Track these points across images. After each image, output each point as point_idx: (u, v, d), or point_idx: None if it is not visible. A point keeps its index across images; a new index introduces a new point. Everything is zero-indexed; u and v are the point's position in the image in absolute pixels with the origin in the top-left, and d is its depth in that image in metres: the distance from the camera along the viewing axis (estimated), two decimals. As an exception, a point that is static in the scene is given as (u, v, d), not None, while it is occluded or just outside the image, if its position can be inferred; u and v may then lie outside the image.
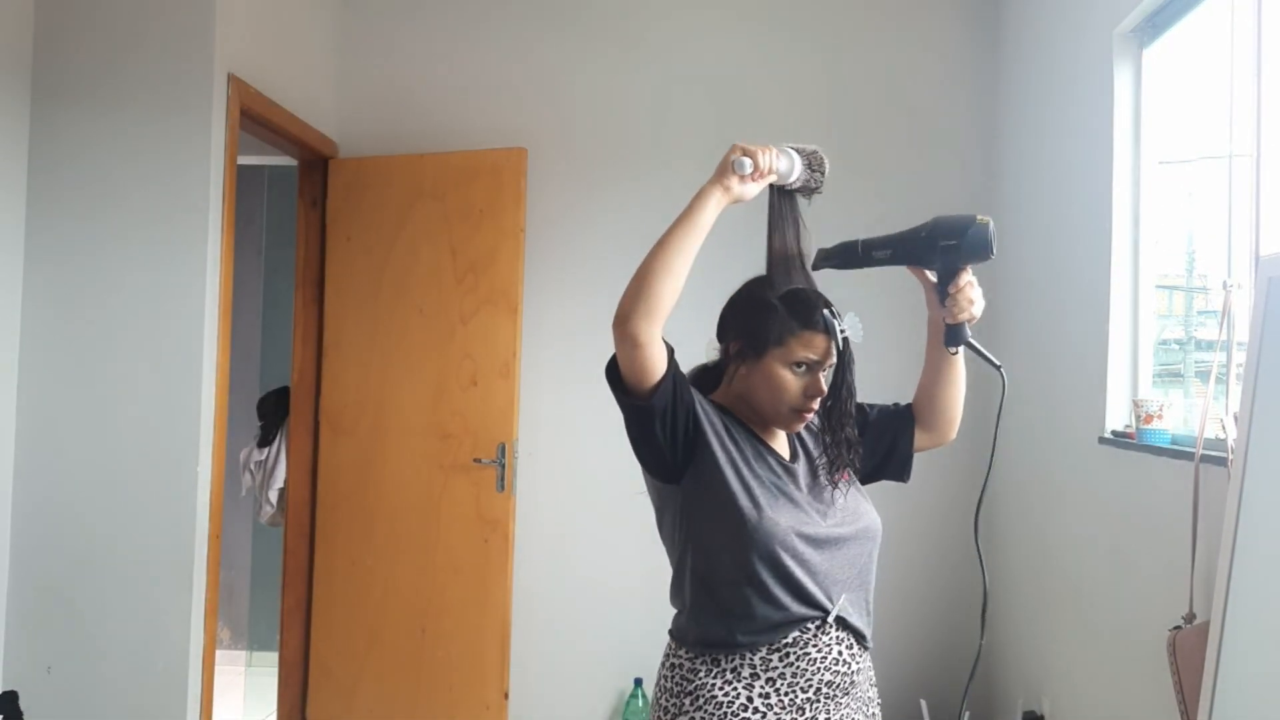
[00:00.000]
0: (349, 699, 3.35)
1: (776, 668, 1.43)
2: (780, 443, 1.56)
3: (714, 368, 1.59)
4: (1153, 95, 2.45)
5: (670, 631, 1.54)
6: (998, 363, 1.47)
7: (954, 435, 1.64)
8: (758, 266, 1.55)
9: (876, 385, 1.81)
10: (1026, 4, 3.15)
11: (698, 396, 1.46)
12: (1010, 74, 3.30)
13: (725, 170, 1.40)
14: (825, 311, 1.47)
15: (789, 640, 1.44)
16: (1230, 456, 1.77)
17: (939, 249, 1.47)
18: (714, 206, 1.39)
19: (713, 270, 1.68)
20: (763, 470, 1.48)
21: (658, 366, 1.37)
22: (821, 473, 1.53)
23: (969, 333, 1.50)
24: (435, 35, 3.54)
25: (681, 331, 1.58)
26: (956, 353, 1.54)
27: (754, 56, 3.46)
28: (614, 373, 1.41)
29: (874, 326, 1.69)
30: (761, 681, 1.43)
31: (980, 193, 3.38)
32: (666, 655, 1.52)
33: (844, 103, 3.43)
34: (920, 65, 3.43)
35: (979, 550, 1.56)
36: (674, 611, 1.55)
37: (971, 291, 1.48)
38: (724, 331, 1.55)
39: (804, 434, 1.58)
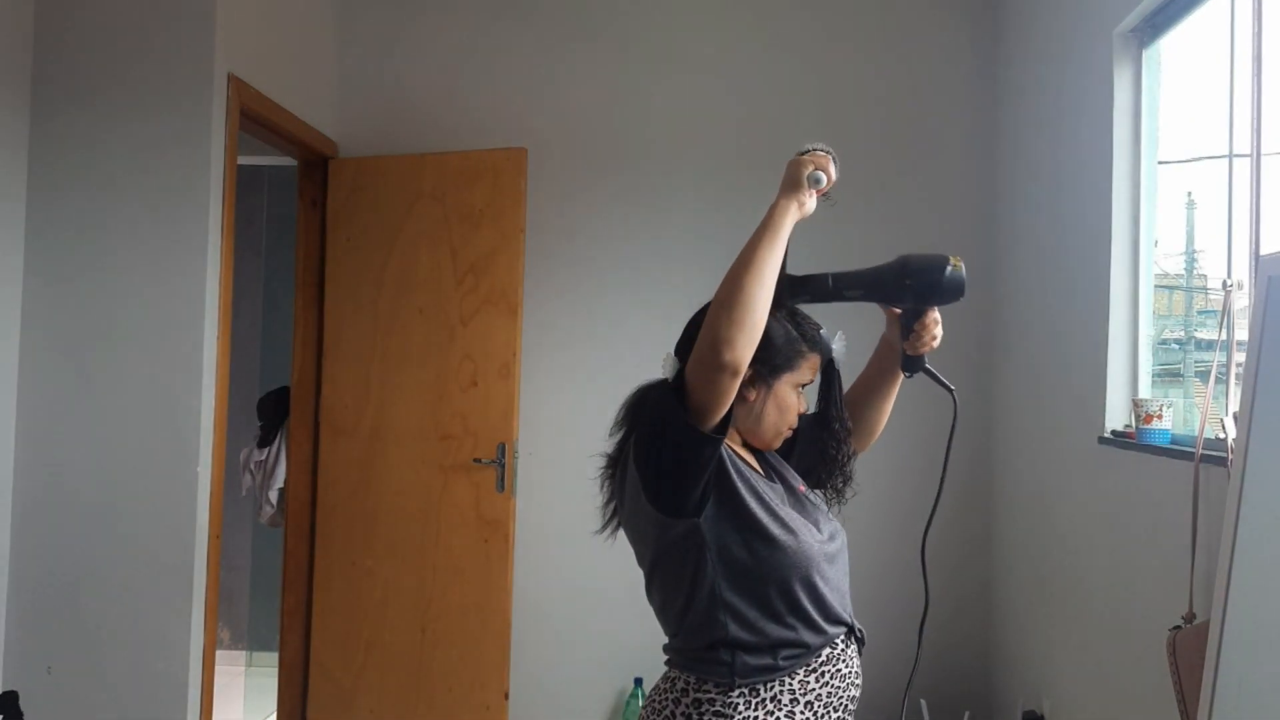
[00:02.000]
0: (349, 700, 3.35)
1: (814, 689, 1.41)
2: (751, 460, 1.51)
3: (663, 384, 1.43)
4: (1152, 95, 2.45)
5: (679, 664, 1.44)
6: (951, 386, 1.49)
7: (869, 448, 1.66)
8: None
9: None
10: (1026, 4, 3.15)
11: None
12: (1010, 74, 3.30)
13: (798, 185, 1.33)
14: (824, 332, 1.47)
15: (822, 659, 1.43)
16: (1230, 456, 1.77)
17: (911, 290, 1.43)
18: (791, 223, 1.32)
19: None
20: (768, 492, 1.44)
21: (733, 395, 1.31)
22: (798, 485, 1.52)
23: (927, 360, 1.51)
24: (435, 35, 3.54)
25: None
26: (911, 376, 1.54)
27: (753, 57, 3.46)
28: (668, 400, 1.34)
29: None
30: (801, 706, 1.39)
31: (980, 193, 3.38)
32: (681, 690, 1.41)
33: (843, 103, 3.43)
34: (920, 66, 3.43)
35: (924, 565, 1.59)
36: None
37: (936, 328, 1.48)
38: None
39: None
